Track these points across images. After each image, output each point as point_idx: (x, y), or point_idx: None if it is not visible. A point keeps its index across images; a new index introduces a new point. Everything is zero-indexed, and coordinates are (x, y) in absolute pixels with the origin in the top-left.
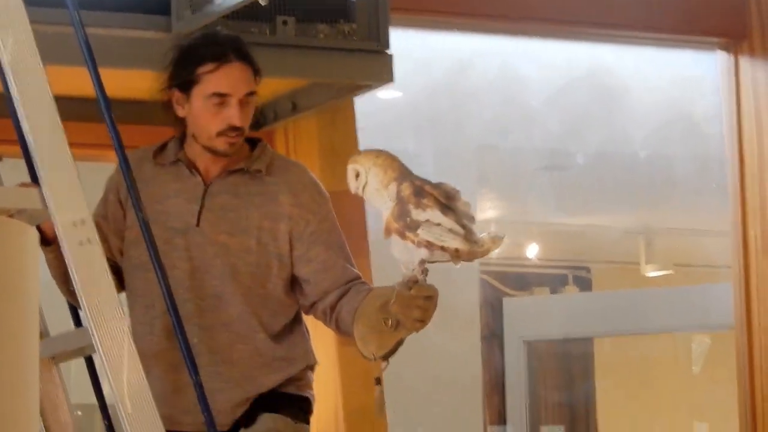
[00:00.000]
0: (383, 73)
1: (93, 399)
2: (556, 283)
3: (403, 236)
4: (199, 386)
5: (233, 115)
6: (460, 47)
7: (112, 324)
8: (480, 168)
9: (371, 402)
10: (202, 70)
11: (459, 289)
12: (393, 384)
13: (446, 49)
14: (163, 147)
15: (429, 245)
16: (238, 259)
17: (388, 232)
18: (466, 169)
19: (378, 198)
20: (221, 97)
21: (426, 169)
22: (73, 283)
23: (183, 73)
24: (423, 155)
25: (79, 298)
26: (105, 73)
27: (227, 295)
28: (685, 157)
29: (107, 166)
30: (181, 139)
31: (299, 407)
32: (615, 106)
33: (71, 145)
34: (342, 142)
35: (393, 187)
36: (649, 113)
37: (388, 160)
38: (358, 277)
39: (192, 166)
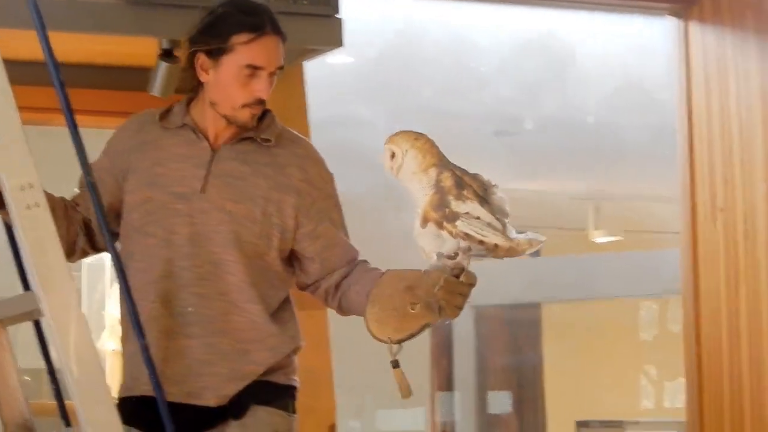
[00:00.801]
0: (333, 38)
1: (41, 364)
2: None
3: (440, 227)
4: (144, 349)
5: (263, 88)
6: (411, 12)
7: (59, 288)
8: (430, 133)
9: (320, 365)
10: (237, 39)
11: (406, 254)
12: (340, 351)
13: (397, 14)
14: (168, 110)
15: (467, 238)
16: (242, 228)
17: (425, 220)
18: None
19: (414, 182)
20: (254, 69)
21: (377, 134)
22: (20, 247)
23: (215, 39)
24: (373, 120)
25: (26, 263)
26: (56, 37)
27: (227, 264)
28: (635, 124)
29: (56, 130)
30: (187, 103)
31: (290, 396)
32: (565, 73)
33: (19, 108)
34: (291, 107)
35: (432, 173)
36: (599, 79)
37: (428, 144)
38: (358, 255)
39: (200, 131)
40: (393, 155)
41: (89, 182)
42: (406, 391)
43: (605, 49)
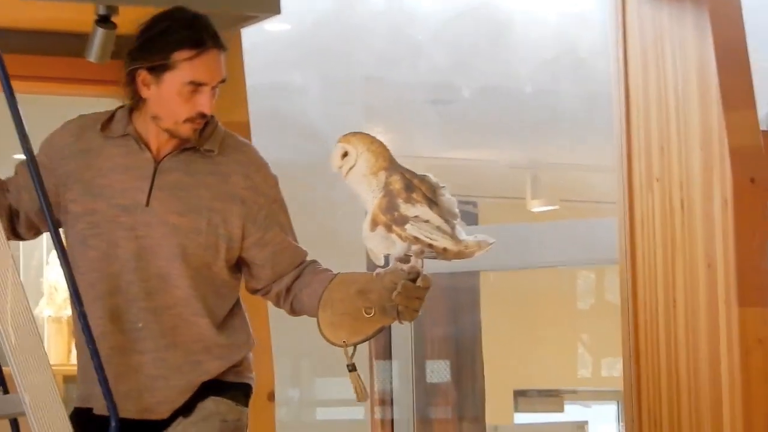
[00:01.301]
0: (271, 5)
1: None
2: None
3: (389, 230)
4: (100, 369)
5: (205, 103)
6: None
7: None
8: (367, 101)
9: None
10: (179, 56)
11: (344, 221)
12: (279, 315)
13: None
14: (110, 119)
15: (416, 241)
16: (188, 240)
17: (374, 224)
18: (352, 102)
19: (363, 184)
20: (196, 86)
21: (313, 102)
22: None
23: (156, 56)
24: (310, 87)
25: None
26: None
27: (173, 277)
28: (572, 93)
29: None
30: (130, 111)
31: (241, 392)
32: (502, 40)
33: None
34: (228, 74)
35: (382, 176)
36: (536, 47)
37: (381, 147)
38: (307, 256)
39: (142, 141)
40: (345, 154)
41: (26, 149)
42: (362, 395)
43: (542, 16)
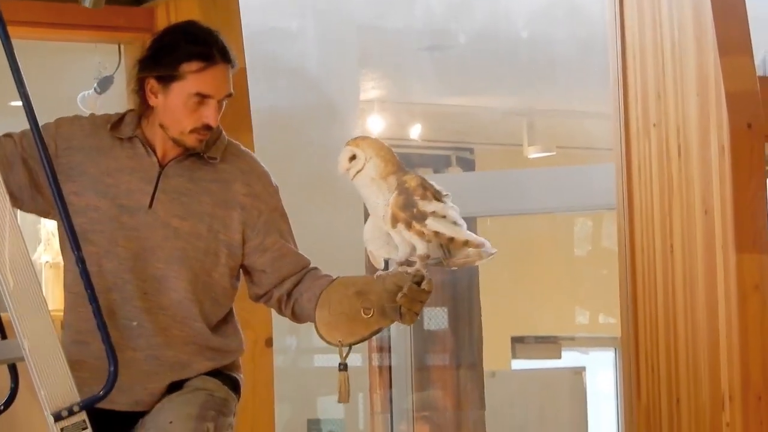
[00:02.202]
0: None
1: None
2: (439, 165)
3: (409, 227)
4: (98, 312)
5: (210, 115)
6: None
7: None
8: (362, 48)
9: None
10: (188, 68)
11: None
12: None
13: None
14: (120, 120)
15: (437, 236)
16: (188, 244)
17: (395, 221)
18: (347, 50)
19: (372, 187)
20: (202, 98)
21: (309, 49)
22: None
23: (165, 67)
24: (304, 35)
25: None
26: None
27: (170, 280)
28: (568, 39)
29: None
30: (140, 115)
31: (230, 381)
32: None
33: None
34: (224, 21)
35: (392, 180)
36: None
37: (390, 153)
38: (309, 263)
39: (149, 146)
40: (353, 157)
41: (23, 94)
42: (344, 396)
43: None
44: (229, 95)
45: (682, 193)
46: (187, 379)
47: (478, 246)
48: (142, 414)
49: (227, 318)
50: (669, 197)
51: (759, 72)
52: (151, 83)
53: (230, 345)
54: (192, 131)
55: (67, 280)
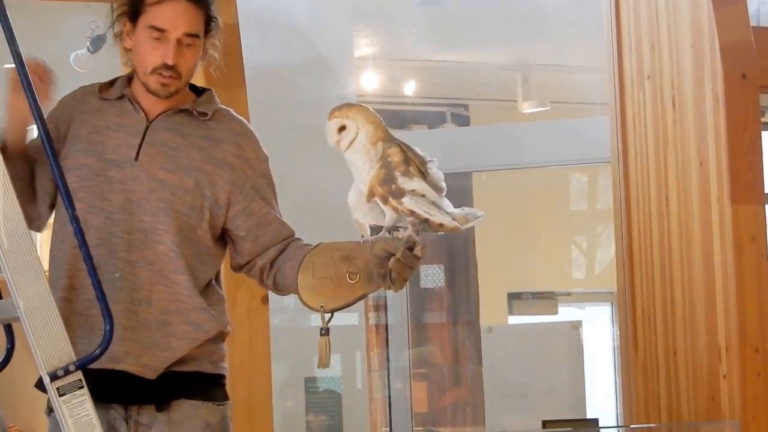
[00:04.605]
0: None
1: None
2: (434, 121)
3: (386, 202)
4: (93, 270)
5: (168, 53)
6: None
7: None
8: (355, 4)
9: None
10: (148, 0)
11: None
12: None
13: None
14: (111, 83)
15: (412, 215)
16: (174, 197)
17: (371, 195)
18: (340, 5)
19: (362, 155)
20: (160, 32)
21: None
22: None
23: (133, 2)
24: None
25: None
26: None
27: (157, 232)
28: None
29: None
30: (130, 78)
31: (219, 386)
32: None
33: None
34: None
35: (380, 147)
36: None
37: (377, 118)
38: (294, 233)
39: (137, 102)
40: (342, 128)
41: (15, 52)
42: (325, 362)
43: None
44: (193, 35)
45: (677, 145)
46: (170, 388)
47: (453, 231)
48: (118, 375)
49: (212, 287)
50: (664, 149)
51: (753, 22)
52: (126, 25)
53: (214, 310)
54: (153, 71)
55: (52, 241)
